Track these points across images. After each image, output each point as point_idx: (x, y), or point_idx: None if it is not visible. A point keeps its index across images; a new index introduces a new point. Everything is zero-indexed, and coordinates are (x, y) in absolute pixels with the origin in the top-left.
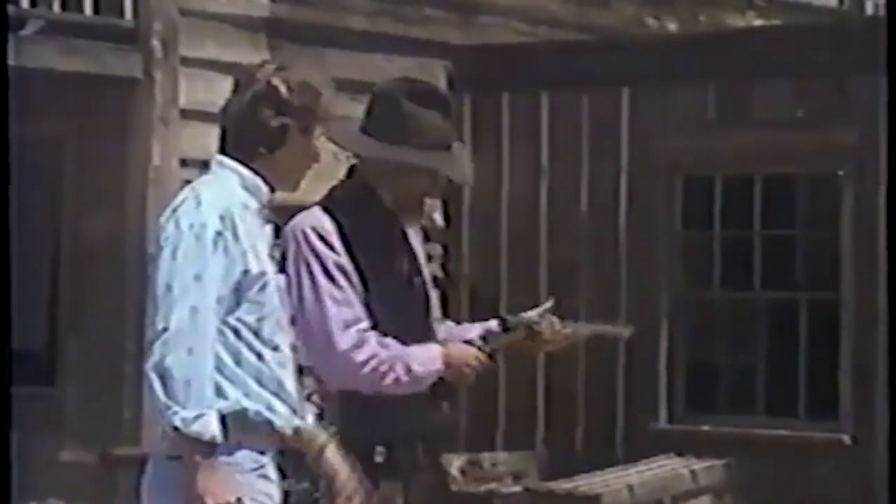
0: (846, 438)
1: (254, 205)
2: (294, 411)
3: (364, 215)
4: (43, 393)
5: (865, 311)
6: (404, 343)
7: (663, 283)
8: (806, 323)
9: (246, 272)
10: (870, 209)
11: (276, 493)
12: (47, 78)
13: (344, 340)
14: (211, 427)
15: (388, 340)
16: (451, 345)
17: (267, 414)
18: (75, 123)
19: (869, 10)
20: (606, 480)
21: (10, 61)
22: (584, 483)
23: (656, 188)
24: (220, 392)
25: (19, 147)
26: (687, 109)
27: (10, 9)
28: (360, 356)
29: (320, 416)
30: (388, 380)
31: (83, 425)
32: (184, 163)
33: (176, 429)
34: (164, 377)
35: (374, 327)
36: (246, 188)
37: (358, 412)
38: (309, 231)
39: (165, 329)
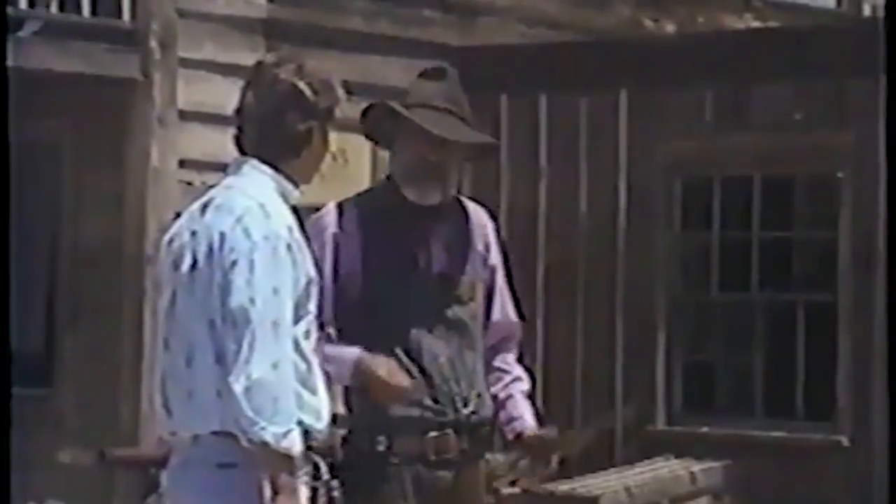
0: (844, 440)
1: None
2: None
3: (380, 206)
4: (41, 394)
5: (863, 312)
6: (402, 334)
7: (661, 285)
8: (804, 324)
9: (309, 282)
10: (868, 211)
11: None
12: (45, 79)
13: None
14: (297, 443)
15: None
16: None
17: (318, 426)
18: (73, 125)
19: (867, 11)
20: (605, 482)
21: (8, 62)
22: (583, 484)
23: (655, 190)
24: None
25: (17, 148)
26: (685, 111)
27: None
28: None
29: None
30: None
31: (81, 426)
32: (182, 164)
33: (265, 444)
34: (250, 391)
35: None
36: (280, 192)
37: (365, 400)
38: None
39: (252, 344)
